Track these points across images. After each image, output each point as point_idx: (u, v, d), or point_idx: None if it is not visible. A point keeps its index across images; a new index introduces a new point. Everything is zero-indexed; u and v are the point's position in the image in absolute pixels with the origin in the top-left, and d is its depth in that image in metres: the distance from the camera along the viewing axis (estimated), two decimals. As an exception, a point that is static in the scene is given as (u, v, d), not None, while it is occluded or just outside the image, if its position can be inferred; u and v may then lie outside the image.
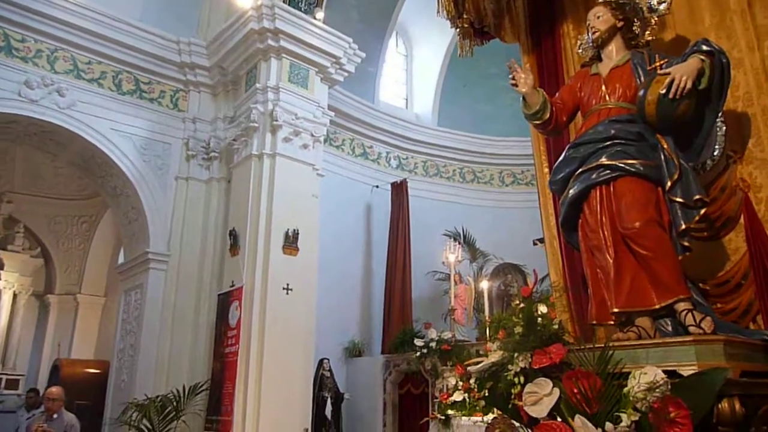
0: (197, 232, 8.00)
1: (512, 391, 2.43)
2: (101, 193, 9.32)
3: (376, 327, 9.54)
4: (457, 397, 6.82)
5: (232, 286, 7.21)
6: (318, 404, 7.94)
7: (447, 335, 7.81)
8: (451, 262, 8.31)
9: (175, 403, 6.78)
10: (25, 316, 11.86)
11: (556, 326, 2.61)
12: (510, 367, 2.45)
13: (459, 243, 9.38)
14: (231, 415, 6.58)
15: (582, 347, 2.43)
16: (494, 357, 2.56)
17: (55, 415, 5.72)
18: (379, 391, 8.51)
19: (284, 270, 7.05)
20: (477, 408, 6.71)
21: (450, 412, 6.68)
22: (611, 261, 2.81)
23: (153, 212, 7.89)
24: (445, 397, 6.97)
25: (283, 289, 6.99)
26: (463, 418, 6.55)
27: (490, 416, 5.99)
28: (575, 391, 2.22)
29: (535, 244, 7.77)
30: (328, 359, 8.43)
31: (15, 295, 11.63)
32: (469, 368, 2.63)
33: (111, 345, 8.68)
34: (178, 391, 6.87)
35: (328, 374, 8.36)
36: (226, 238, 7.54)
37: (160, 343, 7.55)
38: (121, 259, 9.13)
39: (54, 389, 5.98)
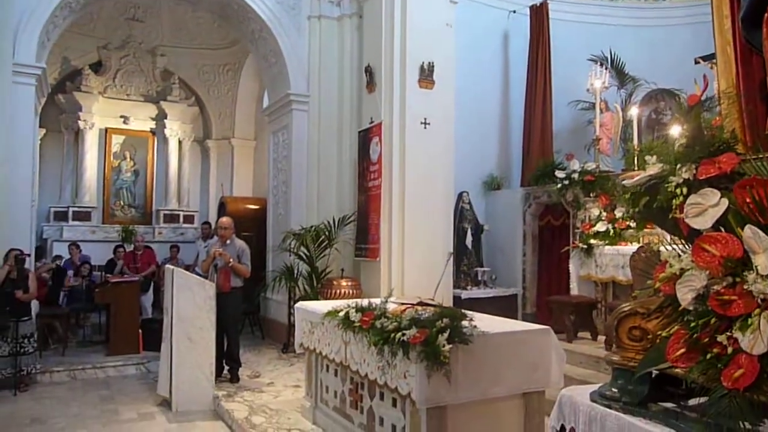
0: (333, 70, 8.09)
1: (673, 203, 2.28)
2: (240, 39, 9.60)
3: (515, 160, 9.39)
4: (601, 227, 6.72)
5: (371, 122, 7.35)
6: (459, 235, 8.24)
7: (590, 166, 7.51)
8: (597, 89, 7.71)
9: (327, 233, 7.40)
10: (190, 161, 13.17)
11: (726, 135, 2.35)
12: (671, 178, 2.28)
13: (605, 68, 8.61)
14: (378, 243, 7.06)
15: (760, 156, 2.19)
16: (653, 170, 2.39)
17: (228, 242, 6.38)
18: (518, 223, 8.58)
19: (421, 104, 7.02)
20: (621, 237, 6.61)
21: (592, 241, 6.64)
22: (804, 58, 2.41)
23: (290, 53, 8.05)
24: (588, 227, 6.90)
25: (421, 123, 7.01)
26: (607, 247, 6.50)
27: (636, 245, 5.90)
28: (748, 200, 2.03)
29: (697, 62, 6.96)
30: (467, 192, 8.56)
31: (180, 142, 12.84)
32: (624, 182, 2.49)
33: (266, 183, 9.45)
34: (328, 222, 7.45)
35: (467, 206, 8.54)
36: (362, 76, 7.56)
37: (308, 179, 8.09)
38: (265, 103, 9.57)
39: (225, 219, 6.60)
